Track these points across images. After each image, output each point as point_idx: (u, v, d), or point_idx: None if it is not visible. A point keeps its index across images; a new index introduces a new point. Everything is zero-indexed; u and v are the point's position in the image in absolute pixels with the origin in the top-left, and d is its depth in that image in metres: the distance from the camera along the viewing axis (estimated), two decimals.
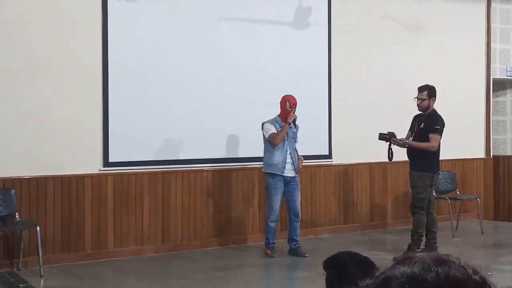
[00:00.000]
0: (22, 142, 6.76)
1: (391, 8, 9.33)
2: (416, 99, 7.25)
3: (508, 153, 10.74)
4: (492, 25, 10.30)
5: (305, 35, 8.57)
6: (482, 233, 8.95)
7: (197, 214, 7.78)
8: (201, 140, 7.77)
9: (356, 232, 8.87)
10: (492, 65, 10.30)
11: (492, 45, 10.29)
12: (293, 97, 7.33)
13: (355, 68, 8.98)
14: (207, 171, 7.85)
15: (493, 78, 10.34)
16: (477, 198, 9.31)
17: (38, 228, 6.44)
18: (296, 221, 7.41)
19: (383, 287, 1.03)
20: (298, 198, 7.41)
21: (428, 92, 7.21)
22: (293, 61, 8.40)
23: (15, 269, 6.62)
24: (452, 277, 1.01)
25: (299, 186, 7.44)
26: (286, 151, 7.24)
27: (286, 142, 7.24)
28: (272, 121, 7.29)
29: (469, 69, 10.05)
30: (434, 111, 7.25)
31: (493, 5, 10.29)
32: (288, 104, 7.27)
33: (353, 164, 8.98)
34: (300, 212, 7.46)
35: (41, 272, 6.40)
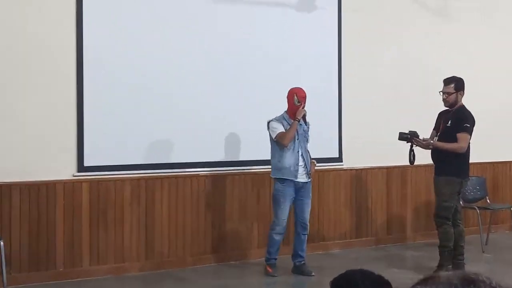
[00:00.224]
0: None
1: None
2: (441, 93, 7.02)
3: None
4: None
5: (312, 17, 8.16)
6: None
7: (188, 226, 7.48)
8: (193, 140, 7.43)
9: (371, 247, 8.58)
10: None
11: None
12: (301, 89, 6.97)
13: (369, 55, 8.57)
14: (199, 176, 7.54)
15: None
16: (511, 207, 9.03)
17: (1, 243, 6.18)
18: (303, 234, 7.09)
19: None
20: (308, 208, 7.08)
21: (455, 85, 6.96)
22: (300, 47, 8.02)
23: None
24: None
25: (311, 194, 7.11)
26: (298, 152, 6.92)
27: (297, 142, 6.90)
28: (279, 119, 6.91)
29: (506, 59, 9.70)
30: (463, 107, 7.01)
31: None
32: (296, 98, 6.91)
33: (367, 168, 8.64)
34: (308, 224, 7.12)
35: None
